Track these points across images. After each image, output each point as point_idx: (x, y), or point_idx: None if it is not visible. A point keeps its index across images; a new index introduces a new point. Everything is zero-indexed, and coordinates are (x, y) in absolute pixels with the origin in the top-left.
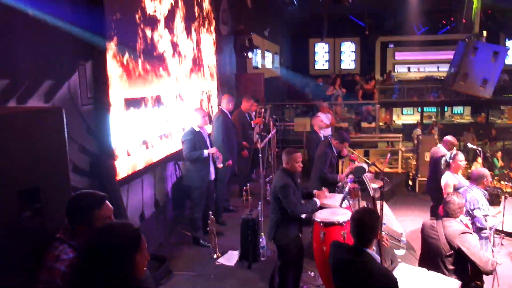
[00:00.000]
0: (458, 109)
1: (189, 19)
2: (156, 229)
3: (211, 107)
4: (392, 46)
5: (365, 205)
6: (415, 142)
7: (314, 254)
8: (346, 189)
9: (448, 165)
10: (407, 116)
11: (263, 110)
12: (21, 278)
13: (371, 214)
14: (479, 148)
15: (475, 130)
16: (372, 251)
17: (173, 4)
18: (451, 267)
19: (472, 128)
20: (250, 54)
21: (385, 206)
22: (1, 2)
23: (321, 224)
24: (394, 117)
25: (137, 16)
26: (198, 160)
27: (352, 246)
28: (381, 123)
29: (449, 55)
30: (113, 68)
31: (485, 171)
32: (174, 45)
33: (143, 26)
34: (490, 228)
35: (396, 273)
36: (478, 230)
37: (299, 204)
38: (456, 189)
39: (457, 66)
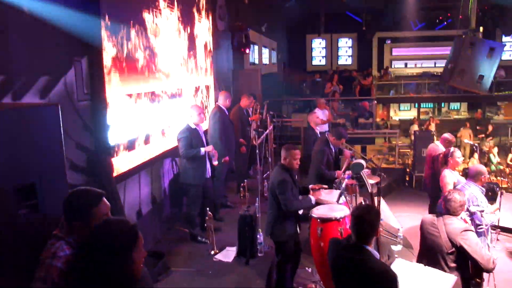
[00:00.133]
0: (455, 105)
1: (185, 15)
2: (154, 225)
3: (208, 103)
4: (389, 42)
5: (362, 201)
6: (412, 138)
7: (312, 250)
8: (343, 185)
9: (446, 162)
10: (404, 112)
11: (259, 106)
12: (18, 275)
13: (371, 210)
14: (476, 144)
15: (472, 126)
16: (372, 248)
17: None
18: (452, 264)
19: (469, 124)
20: (247, 50)
21: (382, 201)
22: None
23: (318, 220)
24: (391, 113)
25: (133, 11)
26: (195, 158)
27: (352, 243)
28: (378, 119)
29: (446, 51)
30: (109, 64)
31: (483, 168)
32: (171, 41)
33: (140, 21)
34: (486, 224)
35: (392, 268)
36: (476, 226)
37: (295, 201)
38: (455, 186)
39: (454, 62)
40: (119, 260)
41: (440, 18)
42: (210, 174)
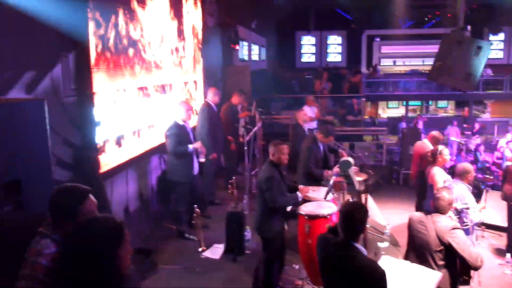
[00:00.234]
0: (442, 103)
1: (175, 10)
2: (141, 222)
3: (196, 99)
4: (378, 39)
5: (350, 198)
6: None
7: (299, 247)
8: (331, 182)
9: (434, 160)
10: (392, 110)
11: (246, 103)
12: (2, 274)
13: (360, 207)
14: (463, 142)
15: (459, 124)
16: (359, 244)
17: None
18: (441, 262)
19: (456, 122)
20: (236, 47)
21: (370, 199)
22: None
23: (306, 217)
24: (380, 111)
25: (120, 7)
26: (182, 155)
27: (340, 241)
28: (366, 116)
29: (434, 49)
30: (96, 59)
31: (470, 167)
32: (159, 37)
33: (127, 17)
34: (472, 221)
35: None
36: (462, 223)
37: (280, 197)
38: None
39: (442, 60)
40: (104, 257)
41: (429, 16)
42: (197, 171)
